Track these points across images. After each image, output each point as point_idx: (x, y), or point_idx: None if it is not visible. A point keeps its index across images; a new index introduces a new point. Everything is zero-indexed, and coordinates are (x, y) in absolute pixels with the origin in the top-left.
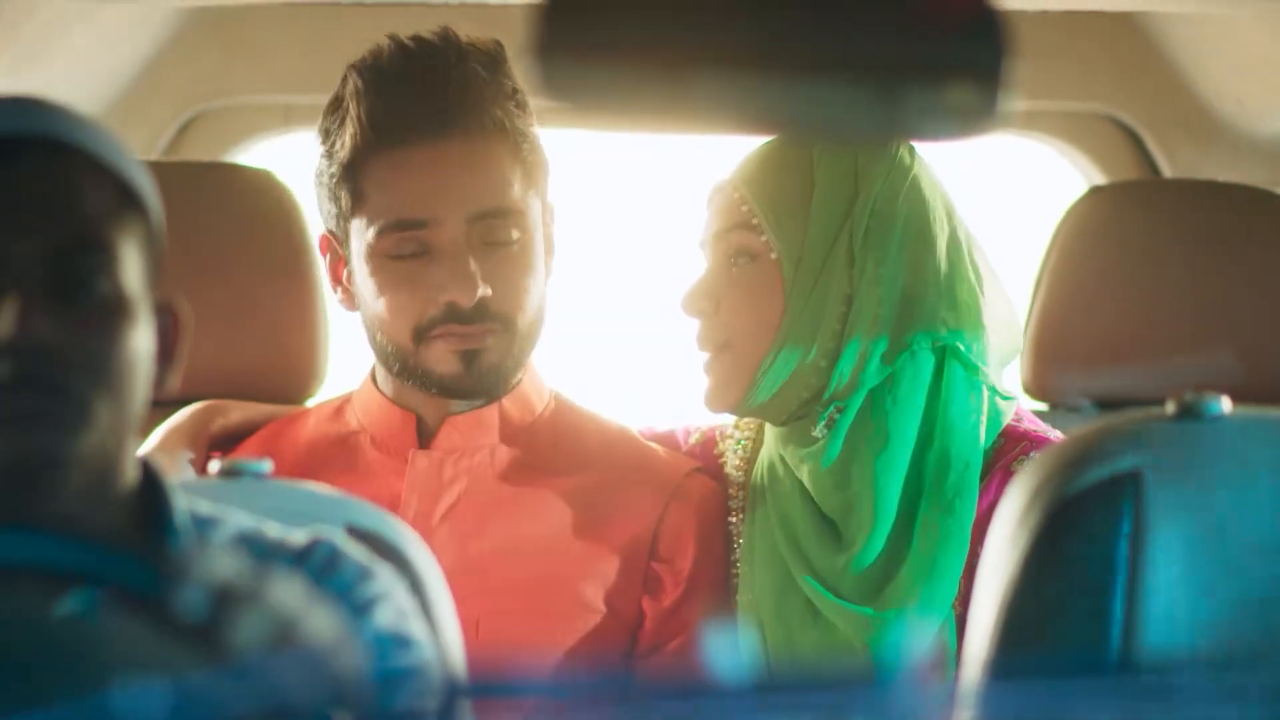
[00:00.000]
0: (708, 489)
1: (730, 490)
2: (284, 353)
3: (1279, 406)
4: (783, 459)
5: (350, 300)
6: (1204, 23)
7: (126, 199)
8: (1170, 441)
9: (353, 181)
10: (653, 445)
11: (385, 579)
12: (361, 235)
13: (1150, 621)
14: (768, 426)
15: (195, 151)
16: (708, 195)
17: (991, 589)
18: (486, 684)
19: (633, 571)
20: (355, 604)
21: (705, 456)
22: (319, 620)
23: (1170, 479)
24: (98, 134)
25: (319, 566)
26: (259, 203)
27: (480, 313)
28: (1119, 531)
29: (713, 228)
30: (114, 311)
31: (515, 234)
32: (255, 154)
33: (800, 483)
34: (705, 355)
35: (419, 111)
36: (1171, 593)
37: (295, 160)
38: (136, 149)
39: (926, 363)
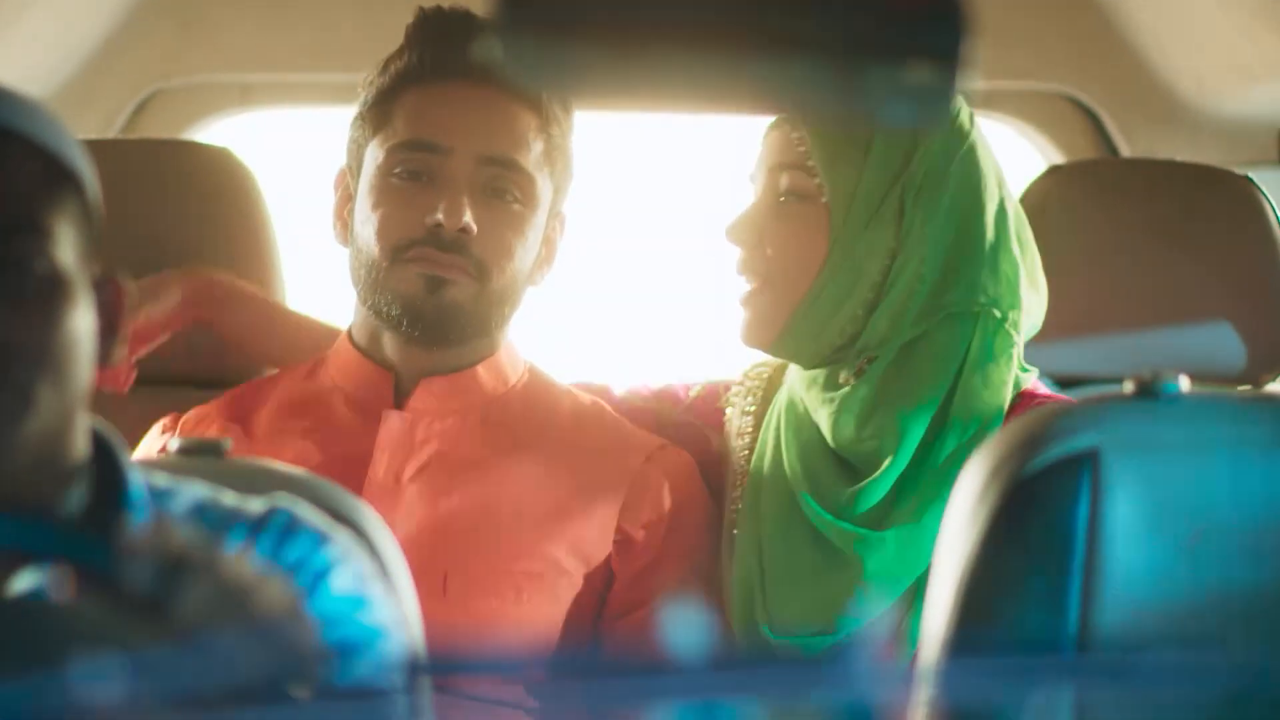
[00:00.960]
0: (682, 461)
1: (738, 441)
2: None
3: (1237, 385)
4: (803, 401)
5: (346, 234)
6: (1162, 3)
7: (60, 176)
8: (1128, 420)
9: (383, 108)
10: (624, 421)
11: (342, 543)
12: (374, 156)
13: (1107, 600)
14: (791, 370)
15: (153, 130)
16: (764, 129)
17: (949, 567)
18: (448, 661)
19: (603, 533)
20: (313, 569)
21: (707, 410)
22: (274, 592)
23: (1128, 458)
24: (28, 111)
25: (276, 534)
26: (218, 180)
27: (459, 245)
28: (1076, 510)
29: (765, 162)
30: (52, 292)
31: (517, 194)
32: (213, 132)
33: (816, 424)
34: (745, 288)
35: (465, 55)
36: (1129, 571)
37: (253, 138)
38: (94, 128)
39: (964, 326)
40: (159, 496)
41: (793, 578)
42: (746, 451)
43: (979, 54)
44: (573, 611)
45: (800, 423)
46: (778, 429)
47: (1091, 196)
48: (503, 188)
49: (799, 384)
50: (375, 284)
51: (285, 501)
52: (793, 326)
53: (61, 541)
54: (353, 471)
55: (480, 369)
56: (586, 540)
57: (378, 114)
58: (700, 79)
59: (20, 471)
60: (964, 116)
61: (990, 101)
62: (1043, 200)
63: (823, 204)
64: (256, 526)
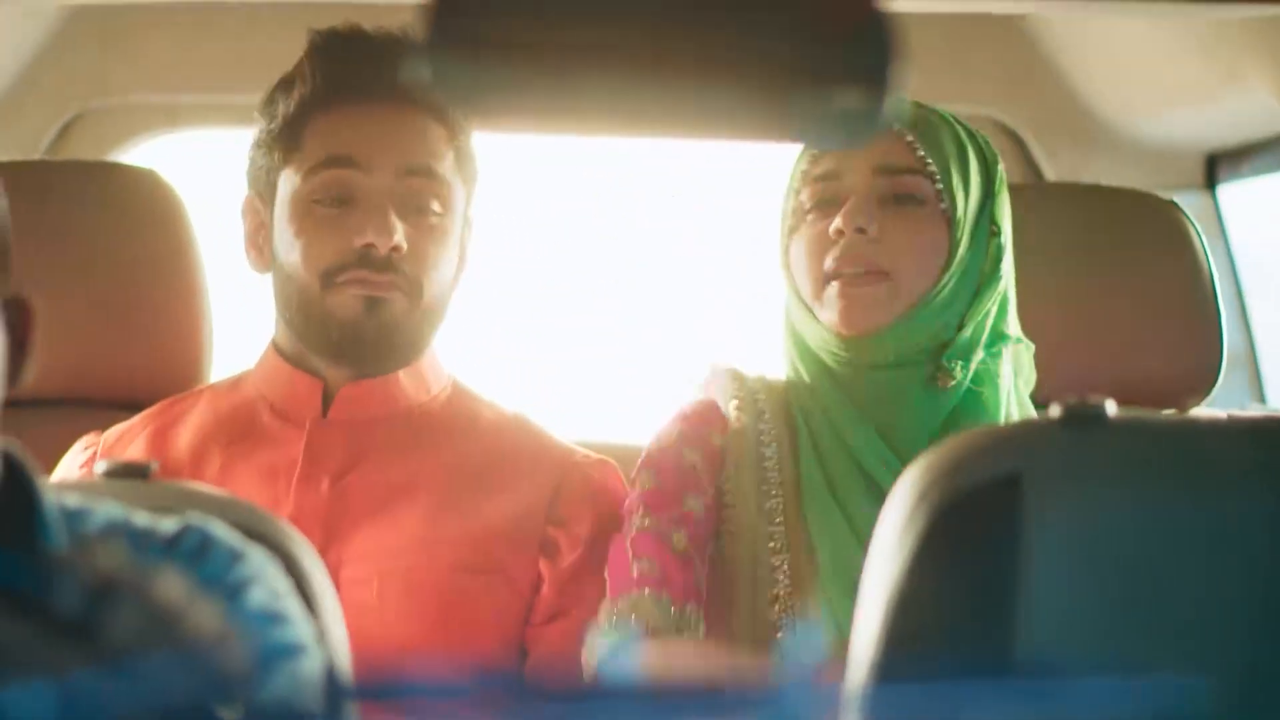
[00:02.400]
0: (608, 470)
1: (760, 425)
2: (167, 352)
3: (1163, 409)
4: (855, 406)
5: (263, 260)
6: (1087, 28)
7: None
8: (1054, 445)
9: (291, 134)
10: (548, 431)
11: (256, 560)
12: (289, 181)
13: (1034, 624)
14: (833, 368)
15: (78, 151)
16: None
17: (877, 591)
18: (373, 684)
19: (527, 535)
20: (228, 587)
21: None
22: (200, 612)
23: (1053, 483)
24: None
25: (190, 553)
26: (143, 202)
27: (391, 264)
28: (1001, 535)
29: (869, 161)
30: None
31: (437, 206)
32: (139, 154)
33: (879, 429)
34: (851, 275)
35: (368, 75)
36: (1054, 596)
37: (179, 160)
38: (18, 148)
39: (1002, 355)
40: (71, 518)
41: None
42: (774, 448)
43: (906, 77)
44: (500, 616)
45: (859, 422)
46: (827, 425)
47: (1017, 221)
48: (424, 201)
49: (868, 390)
50: (311, 315)
51: (198, 520)
52: (906, 322)
53: None
54: (278, 479)
55: (401, 375)
56: (510, 543)
57: (286, 139)
58: (627, 102)
59: None
60: None
61: None
62: None
63: (941, 210)
64: (170, 545)
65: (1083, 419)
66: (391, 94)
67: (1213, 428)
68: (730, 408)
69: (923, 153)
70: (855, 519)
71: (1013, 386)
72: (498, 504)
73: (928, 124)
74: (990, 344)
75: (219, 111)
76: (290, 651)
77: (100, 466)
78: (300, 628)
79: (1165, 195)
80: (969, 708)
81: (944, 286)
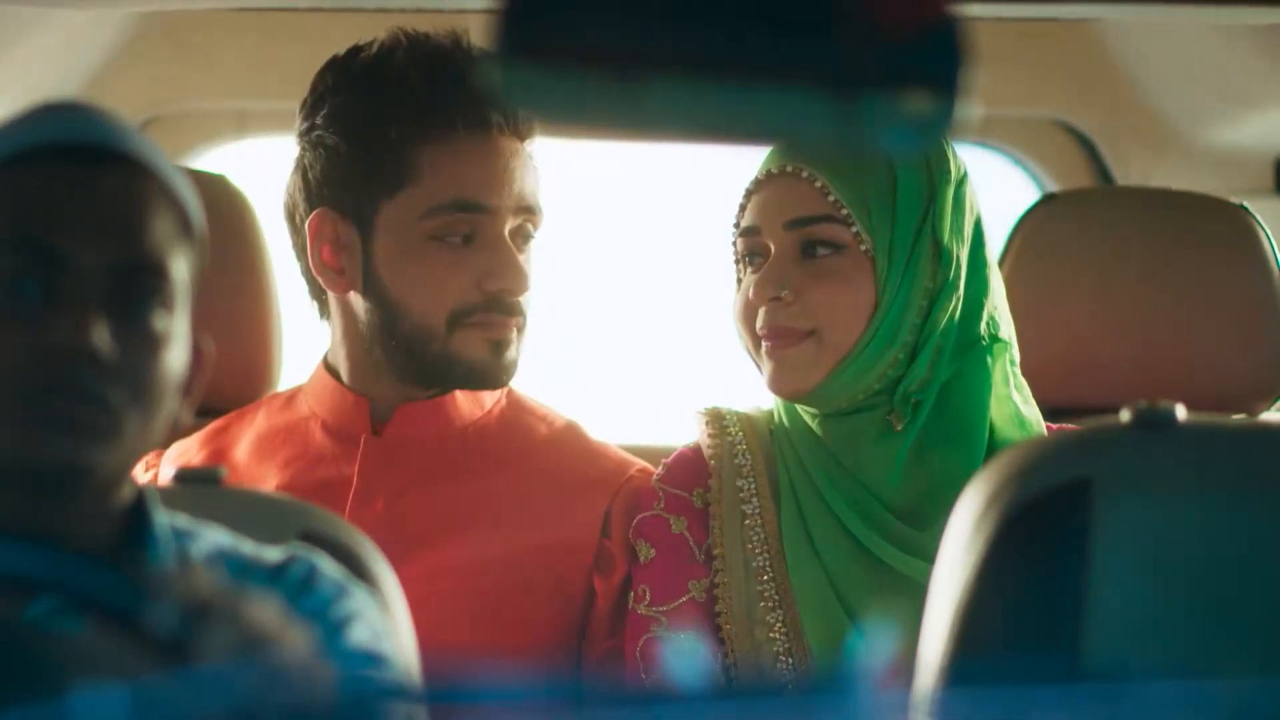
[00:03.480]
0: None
1: (739, 481)
2: (239, 356)
3: (1232, 414)
4: (828, 453)
5: (344, 283)
6: (1156, 32)
7: (185, 228)
8: (1124, 450)
9: (399, 163)
10: (603, 442)
11: (360, 598)
12: (404, 215)
13: (1104, 629)
14: (804, 420)
15: None
16: (756, 181)
17: (946, 595)
18: (444, 689)
19: (584, 552)
20: (331, 622)
21: (684, 477)
22: (296, 640)
23: (1124, 488)
24: (166, 161)
25: (295, 584)
26: (214, 207)
27: (517, 306)
28: (1071, 539)
29: (781, 215)
30: (162, 336)
31: (535, 235)
32: (209, 160)
33: (859, 475)
34: (780, 338)
35: (477, 103)
36: (1124, 601)
37: (249, 165)
38: None
39: (989, 354)
40: (181, 537)
41: (866, 603)
42: (756, 504)
43: (975, 82)
44: (557, 634)
45: (835, 473)
46: (804, 483)
47: (1086, 225)
48: (529, 233)
49: (828, 435)
50: (430, 353)
51: (304, 551)
52: (839, 375)
53: (92, 577)
54: (333, 498)
55: (459, 395)
56: (569, 563)
57: (394, 169)
58: (695, 109)
59: (86, 499)
60: (956, 150)
61: (985, 130)
62: (1037, 229)
63: (862, 252)
64: (275, 575)
65: (1153, 423)
66: (505, 127)
67: None
68: (708, 456)
69: (833, 196)
70: (834, 572)
71: (1007, 387)
72: (554, 522)
73: (843, 162)
74: (956, 353)
75: (288, 118)
76: (384, 695)
77: (168, 472)
78: (396, 670)
79: (1235, 200)
80: (1037, 712)
81: (874, 332)
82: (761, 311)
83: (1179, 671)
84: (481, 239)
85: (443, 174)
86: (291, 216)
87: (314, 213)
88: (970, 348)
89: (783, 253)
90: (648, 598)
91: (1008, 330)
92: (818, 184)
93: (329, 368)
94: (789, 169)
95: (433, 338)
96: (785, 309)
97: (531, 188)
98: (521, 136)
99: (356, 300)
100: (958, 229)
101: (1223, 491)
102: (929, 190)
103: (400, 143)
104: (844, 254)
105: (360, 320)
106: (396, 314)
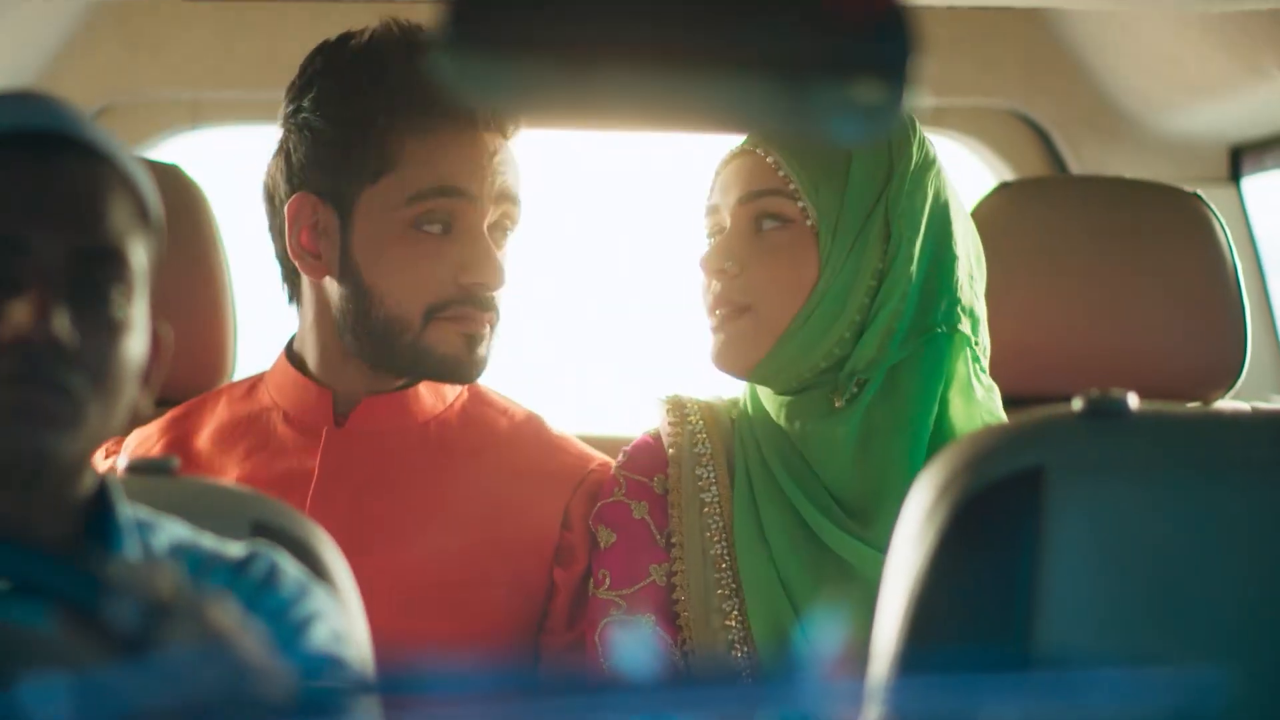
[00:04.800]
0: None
1: (698, 470)
2: (194, 346)
3: (1186, 403)
4: (783, 433)
5: (322, 267)
6: (1110, 20)
7: (143, 215)
8: (1076, 439)
9: (383, 151)
10: (564, 435)
11: (320, 598)
12: (385, 202)
13: (1056, 617)
14: (763, 400)
15: None
16: (721, 161)
17: (899, 584)
18: (397, 681)
19: (544, 545)
20: (292, 623)
21: (645, 463)
22: (253, 642)
23: (1075, 476)
24: (122, 147)
25: (257, 580)
26: (167, 198)
27: (492, 301)
28: (1023, 528)
29: (736, 191)
30: (121, 324)
31: (514, 228)
32: (163, 150)
33: (804, 458)
34: (720, 315)
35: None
36: (1076, 589)
37: (203, 156)
38: None
39: (946, 347)
40: (143, 529)
41: (812, 593)
42: (714, 492)
43: (927, 70)
44: (517, 626)
45: (790, 454)
46: (759, 465)
47: (1041, 213)
48: (509, 227)
49: (781, 416)
50: (402, 344)
51: (265, 547)
52: (779, 351)
53: (52, 570)
54: (295, 490)
55: (422, 388)
56: (530, 557)
57: (377, 156)
58: (646, 96)
59: (48, 489)
60: (927, 141)
61: (939, 118)
62: (992, 216)
63: (808, 227)
64: (237, 571)
65: (1105, 412)
66: (489, 121)
67: (1236, 421)
68: (667, 444)
69: (782, 171)
70: (781, 560)
71: (964, 376)
72: (514, 516)
73: (801, 141)
74: (908, 338)
75: (242, 108)
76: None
77: (122, 462)
78: (355, 672)
79: (1189, 188)
80: (990, 701)
81: (814, 307)
82: (710, 285)
83: (1130, 660)
84: (460, 228)
85: (425, 162)
86: (271, 198)
87: (294, 196)
88: (924, 334)
89: (736, 227)
90: (608, 582)
91: (973, 325)
92: (770, 159)
93: (292, 357)
94: (747, 148)
95: (406, 329)
96: (730, 281)
97: (513, 180)
98: (505, 133)
99: (331, 286)
100: (913, 213)
101: (1175, 480)
102: (886, 172)
103: (385, 130)
104: (789, 228)
105: (333, 307)
106: (371, 301)
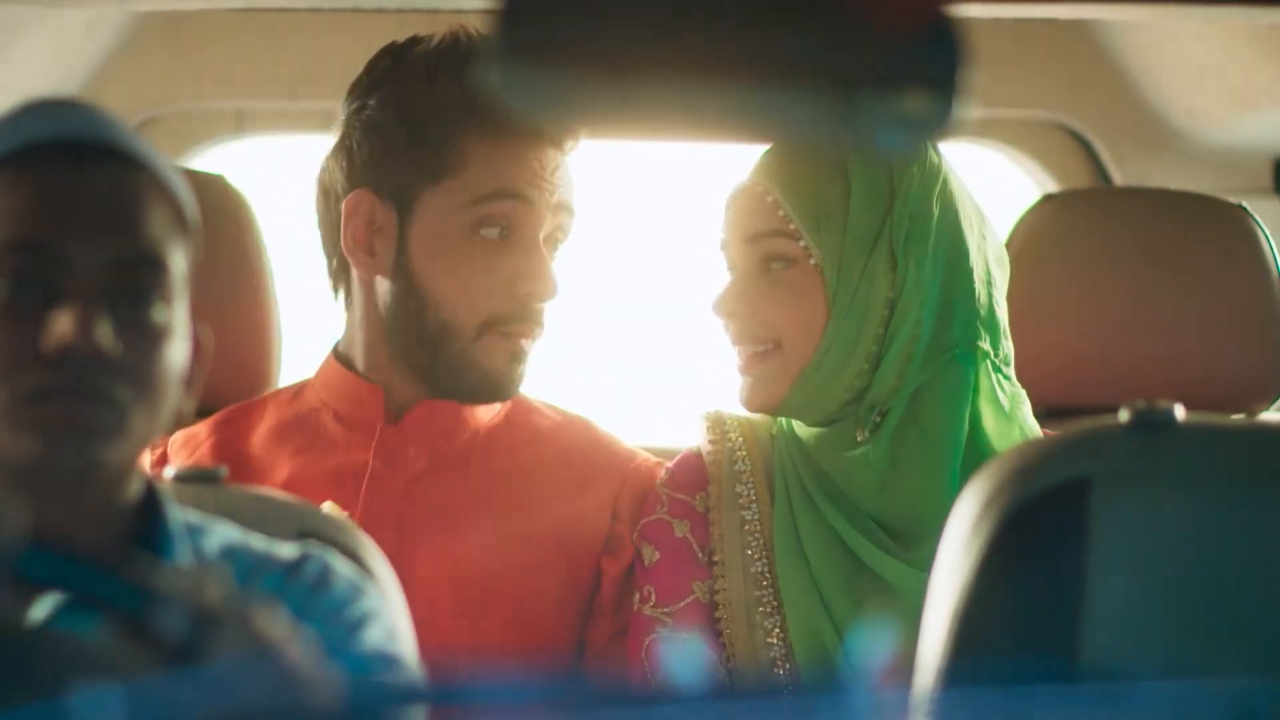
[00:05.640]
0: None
1: (738, 487)
2: (238, 355)
3: (1231, 414)
4: (815, 462)
5: (376, 265)
6: (1154, 32)
7: (180, 221)
8: (1123, 450)
9: (444, 154)
10: (610, 433)
11: (374, 597)
12: (446, 203)
13: (1101, 629)
14: (796, 429)
15: None
16: (729, 197)
17: (945, 596)
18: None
19: (595, 535)
20: (346, 623)
21: (686, 481)
22: (300, 651)
23: (1122, 488)
24: (160, 156)
25: (311, 582)
26: (212, 207)
27: (541, 314)
28: (1070, 540)
29: (741, 231)
30: (163, 330)
31: (567, 239)
32: (207, 159)
33: (839, 486)
34: (747, 353)
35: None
36: (1123, 601)
37: (248, 165)
38: None
39: (968, 364)
40: (193, 533)
41: (853, 611)
42: (754, 509)
43: (973, 82)
44: (566, 615)
45: (824, 481)
46: (799, 491)
47: (1085, 225)
48: (560, 237)
49: (811, 447)
50: (450, 352)
51: (317, 549)
52: (801, 387)
53: (101, 579)
54: (346, 485)
55: None
56: (580, 546)
57: (438, 158)
58: (694, 107)
59: (94, 497)
60: (932, 151)
61: (983, 129)
62: (1036, 228)
63: (813, 265)
64: (290, 573)
65: (1151, 424)
66: (551, 135)
67: None
68: (707, 461)
69: (782, 211)
70: (821, 577)
71: (988, 388)
72: (563, 506)
73: (796, 173)
74: (927, 361)
75: (286, 118)
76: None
77: (170, 471)
78: (410, 671)
79: (1233, 199)
80: (1037, 713)
81: (830, 343)
82: (727, 325)
83: (1177, 672)
84: (518, 235)
85: (488, 166)
86: (326, 194)
87: (353, 192)
88: (943, 354)
89: (744, 268)
90: (653, 599)
91: (993, 336)
92: (770, 199)
93: (340, 357)
94: (748, 186)
95: (459, 337)
96: (745, 322)
97: (570, 192)
98: (564, 145)
99: (382, 285)
100: (921, 238)
101: (1221, 492)
102: (888, 201)
103: (450, 133)
104: (795, 267)
105: (383, 305)
106: (425, 306)
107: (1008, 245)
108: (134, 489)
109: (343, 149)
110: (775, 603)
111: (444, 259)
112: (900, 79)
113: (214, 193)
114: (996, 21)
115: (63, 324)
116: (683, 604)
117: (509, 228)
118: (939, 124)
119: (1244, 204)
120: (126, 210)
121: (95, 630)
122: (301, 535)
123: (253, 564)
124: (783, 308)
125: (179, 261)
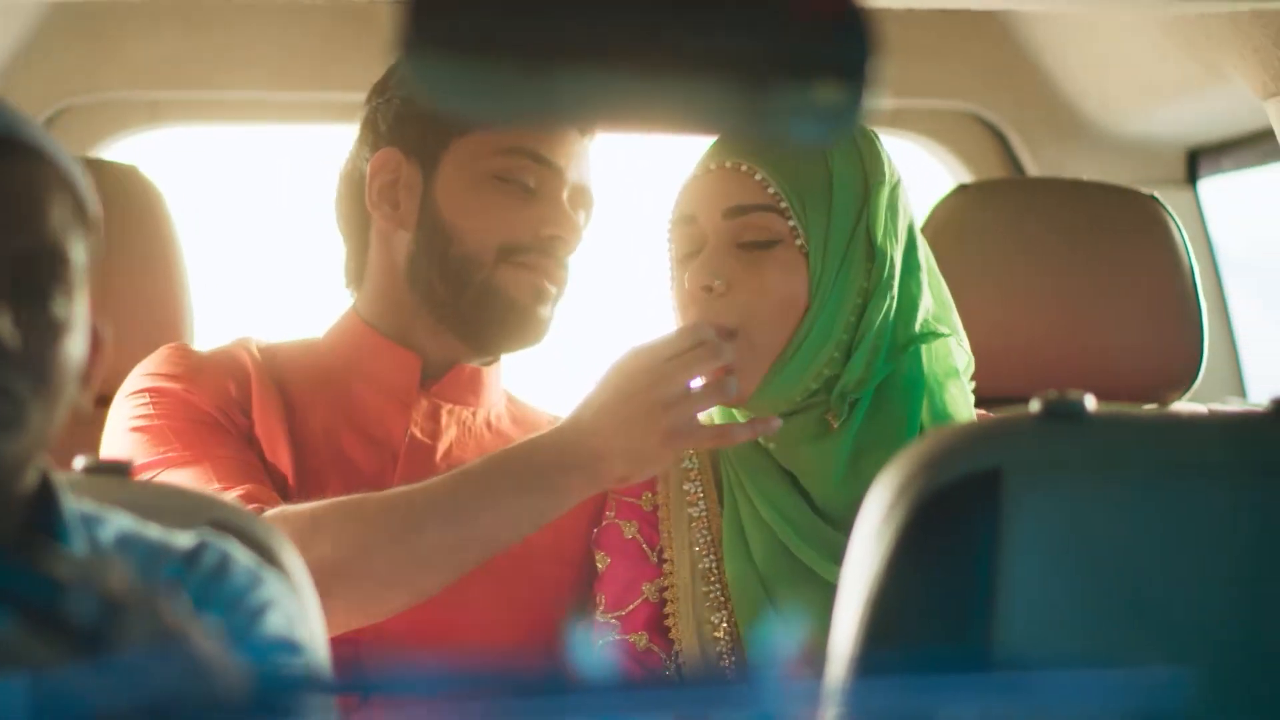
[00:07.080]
0: None
1: (686, 485)
2: (151, 345)
3: (1143, 404)
4: (763, 454)
5: (398, 218)
6: (1067, 23)
7: (81, 214)
8: (1034, 440)
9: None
10: None
11: (273, 585)
12: (475, 151)
13: (1012, 618)
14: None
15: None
16: (697, 173)
17: (857, 585)
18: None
19: (578, 517)
20: (246, 610)
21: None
22: (204, 637)
23: (1033, 478)
24: (59, 146)
25: (209, 570)
26: (125, 198)
27: (564, 258)
28: (980, 530)
29: (719, 204)
30: (63, 324)
31: (586, 226)
32: (121, 150)
33: (790, 476)
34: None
35: None
36: (1033, 590)
37: (161, 156)
38: None
39: (921, 359)
40: (88, 523)
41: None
42: (702, 506)
43: (885, 72)
44: (565, 603)
45: (767, 478)
46: (742, 484)
47: (999, 215)
48: (582, 208)
49: (769, 439)
50: (470, 278)
51: (214, 537)
52: (774, 378)
53: (5, 574)
54: (384, 452)
55: (499, 367)
56: (563, 524)
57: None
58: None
59: None
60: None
61: (897, 119)
62: (950, 218)
63: (797, 246)
64: (188, 562)
65: (1062, 414)
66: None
67: (1192, 423)
68: None
69: (773, 189)
70: (765, 573)
71: (943, 371)
72: None
73: (781, 153)
74: (891, 353)
75: (201, 108)
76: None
77: (79, 463)
78: (311, 658)
79: (1146, 190)
80: (948, 702)
81: (808, 330)
82: (687, 307)
83: (1089, 661)
84: (544, 191)
85: (516, 126)
86: (349, 177)
87: (380, 151)
88: (905, 348)
89: (719, 242)
90: (603, 605)
91: (950, 319)
92: (757, 176)
93: (365, 320)
94: (728, 164)
95: (480, 266)
96: (715, 301)
97: (589, 175)
98: (585, 132)
99: (402, 240)
100: (892, 230)
101: (1132, 481)
102: (864, 191)
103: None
104: (778, 248)
105: (403, 257)
106: (449, 241)
107: (921, 234)
108: (30, 480)
109: (367, 127)
110: (722, 597)
111: (469, 199)
112: (812, 69)
113: (127, 184)
114: (909, 11)
115: None
116: (631, 608)
117: (536, 185)
118: (853, 113)
119: (1156, 194)
120: (28, 202)
121: (0, 621)
122: (209, 525)
123: (150, 553)
124: (759, 287)
125: (80, 254)
